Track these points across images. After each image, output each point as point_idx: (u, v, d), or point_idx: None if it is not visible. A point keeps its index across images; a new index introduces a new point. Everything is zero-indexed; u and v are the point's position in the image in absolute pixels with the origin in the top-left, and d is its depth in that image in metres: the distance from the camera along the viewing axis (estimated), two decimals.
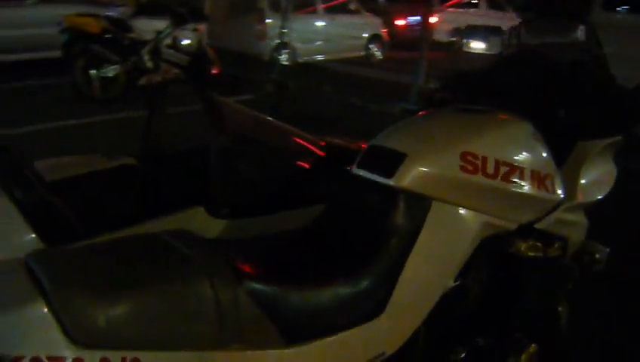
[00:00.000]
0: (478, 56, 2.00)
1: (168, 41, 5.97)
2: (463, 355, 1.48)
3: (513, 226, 1.46)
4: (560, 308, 1.64)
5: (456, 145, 1.38)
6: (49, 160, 2.04)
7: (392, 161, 1.33)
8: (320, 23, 10.65)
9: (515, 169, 1.40)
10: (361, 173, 1.39)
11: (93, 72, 6.60)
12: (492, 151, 1.39)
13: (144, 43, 7.06)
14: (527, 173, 1.41)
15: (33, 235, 1.44)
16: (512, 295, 1.54)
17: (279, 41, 9.29)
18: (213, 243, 1.44)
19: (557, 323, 1.64)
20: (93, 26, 6.35)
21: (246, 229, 1.65)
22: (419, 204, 1.32)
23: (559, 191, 1.48)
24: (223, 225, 1.68)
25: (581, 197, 1.56)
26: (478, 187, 1.37)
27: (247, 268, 1.16)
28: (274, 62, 8.93)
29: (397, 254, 1.29)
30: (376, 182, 1.34)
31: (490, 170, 1.36)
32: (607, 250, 1.62)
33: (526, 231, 1.48)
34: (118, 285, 1.02)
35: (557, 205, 1.49)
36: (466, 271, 1.41)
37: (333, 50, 10.41)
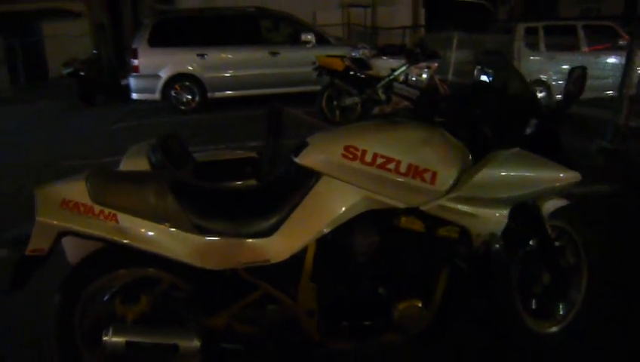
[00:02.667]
0: None
1: (401, 77, 6.74)
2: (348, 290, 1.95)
3: (401, 205, 1.88)
4: (442, 275, 1.97)
5: (343, 140, 1.92)
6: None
7: (302, 148, 1.93)
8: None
9: (389, 160, 1.84)
10: (291, 156, 1.96)
11: (335, 102, 7.68)
12: (372, 146, 1.87)
13: (380, 79, 8.04)
14: (403, 166, 1.85)
15: None
16: (396, 256, 1.94)
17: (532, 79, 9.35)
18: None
19: (435, 285, 1.97)
20: (338, 65, 7.33)
21: None
22: (311, 175, 1.89)
23: (439, 184, 1.85)
24: None
25: (467, 193, 1.89)
26: (357, 170, 1.86)
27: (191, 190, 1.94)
28: None
29: (293, 203, 1.88)
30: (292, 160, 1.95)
31: (368, 159, 1.84)
32: (497, 245, 1.92)
33: (413, 211, 1.88)
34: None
35: (439, 194, 1.86)
36: (352, 229, 1.89)
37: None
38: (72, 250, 1.99)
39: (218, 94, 9.81)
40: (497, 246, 1.92)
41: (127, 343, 1.82)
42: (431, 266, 1.98)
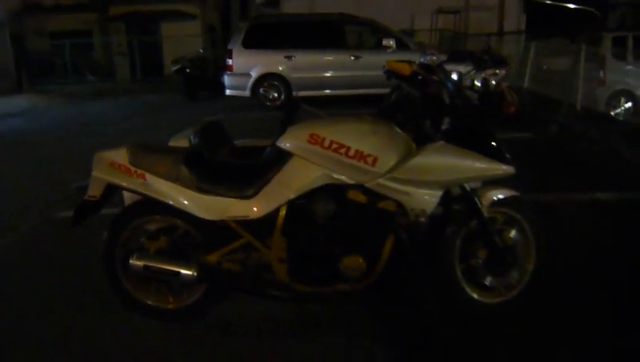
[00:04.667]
0: None
1: (467, 82, 7.21)
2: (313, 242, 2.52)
3: (350, 182, 2.43)
4: (387, 241, 2.48)
5: (310, 128, 2.45)
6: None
7: (281, 133, 2.50)
8: None
9: (342, 146, 2.39)
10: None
11: None
12: (329, 134, 2.41)
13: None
14: (351, 151, 2.38)
15: None
16: (345, 221, 2.49)
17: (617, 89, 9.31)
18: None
19: (380, 249, 2.48)
20: (405, 70, 7.70)
21: None
22: (285, 155, 2.46)
23: (379, 166, 2.39)
24: None
25: (401, 175, 2.39)
26: (318, 153, 2.40)
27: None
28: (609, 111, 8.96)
29: (271, 175, 2.47)
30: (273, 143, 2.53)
31: (326, 144, 2.39)
32: (423, 219, 2.44)
33: (359, 186, 2.42)
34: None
35: (378, 175, 2.39)
36: (312, 198, 2.45)
37: None
38: (127, 200, 2.76)
39: (302, 93, 10.58)
40: (423, 219, 2.41)
41: (145, 266, 2.54)
42: (373, 231, 2.50)
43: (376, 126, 2.51)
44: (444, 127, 2.52)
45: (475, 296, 2.72)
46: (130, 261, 2.56)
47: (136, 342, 2.63)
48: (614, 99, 9.56)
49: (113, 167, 2.55)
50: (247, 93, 10.49)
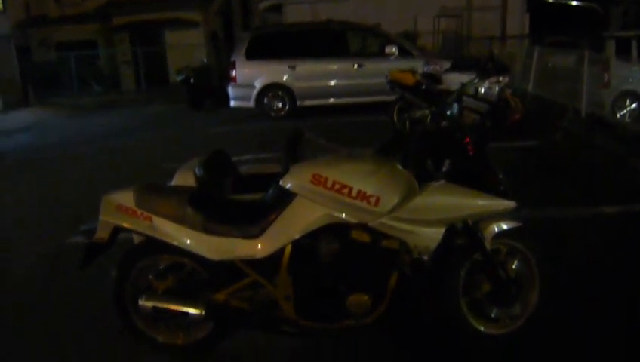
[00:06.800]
0: None
1: (471, 90, 7.17)
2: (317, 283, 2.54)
3: (353, 221, 2.43)
4: (392, 278, 2.51)
5: (312, 169, 2.46)
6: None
7: (285, 173, 2.53)
8: None
9: (344, 186, 2.39)
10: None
11: (405, 115, 8.14)
12: (332, 175, 2.41)
13: (450, 93, 8.46)
14: (354, 191, 2.38)
15: None
16: (349, 259, 2.50)
17: (623, 90, 9.24)
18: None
19: (385, 285, 2.51)
20: (408, 79, 7.81)
21: None
22: (289, 195, 2.48)
23: (382, 206, 2.38)
24: None
25: (404, 215, 2.41)
26: (321, 193, 2.41)
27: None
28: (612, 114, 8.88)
29: (275, 214, 2.50)
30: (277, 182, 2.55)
31: (329, 185, 2.40)
32: (426, 256, 2.45)
33: (362, 226, 2.43)
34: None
35: (381, 214, 2.39)
36: (316, 237, 2.47)
37: None
38: (136, 238, 2.80)
39: (307, 102, 10.64)
40: (425, 257, 2.44)
41: (154, 307, 2.59)
42: (377, 269, 2.53)
43: (378, 166, 2.53)
44: (444, 168, 2.54)
45: (481, 328, 2.75)
46: (140, 302, 2.60)
47: None
48: (620, 100, 9.53)
49: (120, 211, 2.59)
50: (251, 104, 10.56)
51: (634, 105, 9.56)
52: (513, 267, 2.71)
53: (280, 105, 10.57)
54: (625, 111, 9.46)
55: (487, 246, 2.62)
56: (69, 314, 3.36)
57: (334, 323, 2.61)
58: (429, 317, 3.00)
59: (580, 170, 6.06)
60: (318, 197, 2.46)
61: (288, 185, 2.51)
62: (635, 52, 9.50)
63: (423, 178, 2.55)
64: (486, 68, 7.75)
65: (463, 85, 7.83)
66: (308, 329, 2.63)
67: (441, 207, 2.47)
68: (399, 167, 2.54)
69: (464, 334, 2.76)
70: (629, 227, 4.31)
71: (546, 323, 2.79)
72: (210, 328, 2.76)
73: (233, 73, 10.46)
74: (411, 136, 2.76)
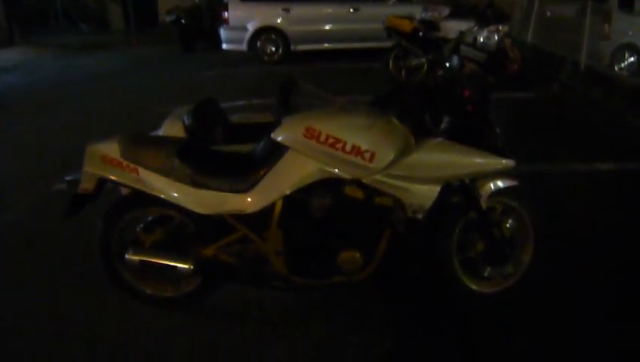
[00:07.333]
0: None
1: (469, 39, 6.93)
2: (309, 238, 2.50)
3: (347, 177, 2.37)
4: (384, 235, 2.47)
5: (306, 122, 2.36)
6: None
7: (277, 125, 2.42)
8: None
9: (338, 141, 2.30)
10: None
11: (402, 62, 7.94)
12: (326, 128, 2.32)
13: (447, 41, 8.18)
14: (348, 146, 2.30)
15: None
16: (341, 216, 2.45)
17: (623, 43, 9.01)
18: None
19: (377, 242, 2.48)
20: (406, 26, 7.57)
21: None
22: (281, 148, 2.40)
23: (376, 162, 2.30)
24: None
25: (399, 172, 2.35)
26: (314, 147, 2.33)
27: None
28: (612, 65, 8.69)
29: (266, 168, 2.42)
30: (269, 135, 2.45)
31: (322, 139, 2.31)
32: (421, 214, 2.40)
33: (356, 182, 2.37)
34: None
35: (376, 171, 2.33)
36: (308, 192, 2.40)
37: None
38: (123, 190, 2.71)
39: (300, 47, 10.36)
40: (419, 216, 2.39)
41: (141, 261, 2.54)
42: (369, 226, 2.48)
43: (374, 119, 2.43)
44: (443, 125, 2.45)
45: (473, 287, 2.73)
46: (127, 256, 2.55)
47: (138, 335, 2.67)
48: (618, 53, 9.34)
49: (105, 161, 2.49)
50: (244, 47, 10.26)
51: (632, 59, 9.37)
52: (507, 226, 2.67)
53: (273, 49, 10.28)
54: (623, 64, 9.29)
55: (483, 205, 2.57)
56: (56, 264, 3.32)
57: (325, 280, 2.58)
58: (422, 275, 2.98)
59: (576, 124, 5.97)
60: (310, 152, 2.37)
61: (280, 138, 2.42)
62: (638, 3, 9.24)
63: (420, 133, 2.46)
64: (485, 15, 7.55)
65: (462, 33, 7.60)
66: (298, 285, 2.60)
67: (437, 164, 2.40)
68: (396, 121, 2.44)
69: (456, 292, 2.75)
70: (625, 185, 4.28)
71: (540, 283, 2.78)
72: (199, 282, 2.72)
73: (225, 15, 10.10)
74: (408, 88, 2.65)
